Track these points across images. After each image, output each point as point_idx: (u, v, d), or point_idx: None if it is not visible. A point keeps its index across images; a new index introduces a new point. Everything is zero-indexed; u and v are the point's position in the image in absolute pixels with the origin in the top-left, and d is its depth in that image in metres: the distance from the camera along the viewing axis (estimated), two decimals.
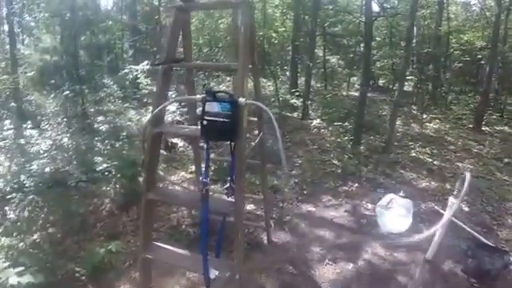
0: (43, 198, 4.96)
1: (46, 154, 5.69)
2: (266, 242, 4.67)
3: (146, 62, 8.29)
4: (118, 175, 5.46)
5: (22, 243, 4.19)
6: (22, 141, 6.23)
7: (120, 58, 8.61)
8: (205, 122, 2.29)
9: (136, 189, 5.38)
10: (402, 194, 5.62)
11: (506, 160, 8.21)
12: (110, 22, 9.68)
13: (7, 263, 3.11)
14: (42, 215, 4.80)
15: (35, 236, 4.52)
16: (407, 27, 8.78)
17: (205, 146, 2.52)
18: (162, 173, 6.02)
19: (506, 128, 11.09)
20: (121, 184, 5.35)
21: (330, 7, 12.95)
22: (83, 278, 3.87)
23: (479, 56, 13.08)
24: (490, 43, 11.39)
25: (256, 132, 4.12)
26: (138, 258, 2.94)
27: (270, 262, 4.30)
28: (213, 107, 2.27)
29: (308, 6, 11.06)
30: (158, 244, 2.99)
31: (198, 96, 2.49)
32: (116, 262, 4.13)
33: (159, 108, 2.67)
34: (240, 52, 2.63)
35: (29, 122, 6.47)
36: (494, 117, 11.98)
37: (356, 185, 6.58)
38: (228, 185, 2.64)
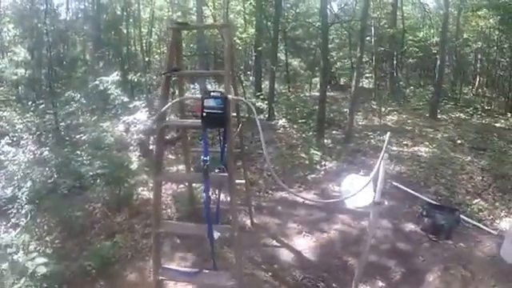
0: (38, 208, 5.55)
1: (29, 168, 6.25)
2: (249, 224, 5.57)
3: (115, 72, 8.95)
4: (105, 182, 6.15)
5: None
6: (2, 157, 6.70)
7: (91, 70, 9.19)
8: (204, 114, 3.15)
9: (125, 191, 6.14)
10: (362, 173, 6.72)
11: (458, 141, 9.67)
12: (83, 34, 10.22)
13: (35, 253, 3.75)
14: (40, 223, 5.38)
15: (34, 244, 5.08)
16: (360, 30, 10.06)
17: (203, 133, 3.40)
18: (145, 176, 6.76)
19: (460, 115, 12.66)
20: (111, 188, 6.04)
21: (291, 13, 14.12)
22: (93, 271, 4.53)
23: (434, 51, 14.75)
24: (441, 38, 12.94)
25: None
26: (152, 233, 3.70)
27: (256, 239, 5.23)
28: (209, 102, 3.13)
29: (270, 12, 12.14)
30: (167, 221, 3.80)
31: (198, 95, 3.36)
32: (119, 256, 4.88)
33: (166, 107, 3.51)
34: (225, 62, 3.58)
35: (6, 138, 6.94)
36: (449, 105, 13.58)
37: (322, 172, 7.68)
38: (221, 165, 3.52)
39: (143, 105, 9.78)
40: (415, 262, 4.94)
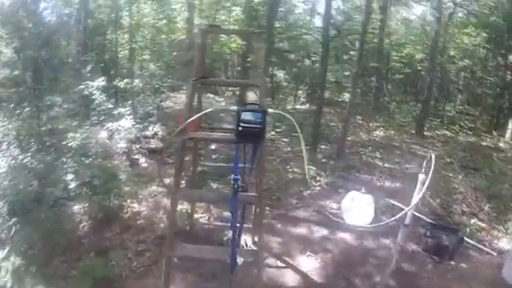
0: (20, 220, 5.12)
1: (10, 175, 5.82)
2: (250, 243, 5.35)
3: (101, 78, 8.60)
4: (92, 192, 5.81)
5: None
6: None
7: (76, 74, 8.80)
8: (240, 128, 2.93)
9: (115, 204, 5.81)
10: (363, 190, 6.67)
11: (448, 160, 9.79)
12: (67, 38, 9.82)
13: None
14: (23, 237, 4.96)
15: (18, 260, 4.67)
16: (359, 45, 10.14)
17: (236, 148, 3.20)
18: (135, 187, 6.45)
19: (446, 132, 12.81)
20: (99, 200, 5.69)
21: (283, 24, 14.13)
22: None
23: (419, 68, 15.09)
24: (429, 56, 13.21)
25: None
26: (164, 257, 3.42)
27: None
28: (247, 116, 2.92)
29: (261, 23, 12.07)
30: (181, 243, 3.52)
31: (234, 107, 3.14)
32: (113, 276, 4.56)
33: (193, 118, 3.25)
34: (259, 71, 3.43)
35: None
36: (435, 123, 13.76)
37: (318, 188, 7.58)
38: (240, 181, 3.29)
39: (128, 112, 9.42)
40: (420, 283, 4.94)
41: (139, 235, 5.32)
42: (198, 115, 3.29)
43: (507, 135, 12.08)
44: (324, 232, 5.87)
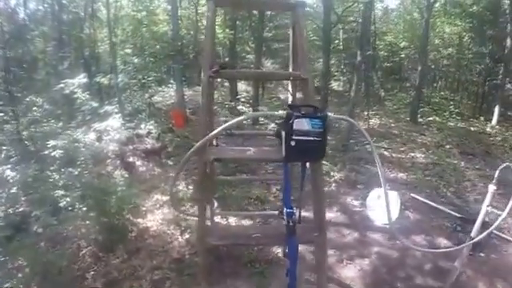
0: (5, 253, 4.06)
1: None
2: (281, 255, 4.55)
3: (82, 74, 7.52)
4: (87, 208, 4.79)
5: None
6: None
7: (54, 72, 7.63)
8: (293, 143, 2.03)
9: (117, 223, 4.81)
10: (387, 187, 5.98)
11: (447, 146, 9.37)
12: (42, 35, 8.52)
13: None
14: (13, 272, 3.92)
15: None
16: (360, 34, 9.67)
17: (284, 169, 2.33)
18: (137, 200, 5.46)
19: (436, 118, 12.34)
20: (97, 219, 4.67)
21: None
22: None
23: (402, 55, 14.57)
24: (418, 44, 12.71)
25: None
26: None
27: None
28: (302, 124, 2.03)
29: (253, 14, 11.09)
30: None
31: (281, 111, 2.15)
32: None
33: (215, 133, 2.27)
34: (304, 58, 2.40)
35: None
36: (426, 109, 13.21)
37: (334, 184, 6.87)
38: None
39: (116, 110, 8.36)
40: (460, 279, 4.46)
41: (152, 259, 4.37)
42: (223, 126, 2.19)
43: (493, 121, 11.80)
44: (355, 235, 5.18)
